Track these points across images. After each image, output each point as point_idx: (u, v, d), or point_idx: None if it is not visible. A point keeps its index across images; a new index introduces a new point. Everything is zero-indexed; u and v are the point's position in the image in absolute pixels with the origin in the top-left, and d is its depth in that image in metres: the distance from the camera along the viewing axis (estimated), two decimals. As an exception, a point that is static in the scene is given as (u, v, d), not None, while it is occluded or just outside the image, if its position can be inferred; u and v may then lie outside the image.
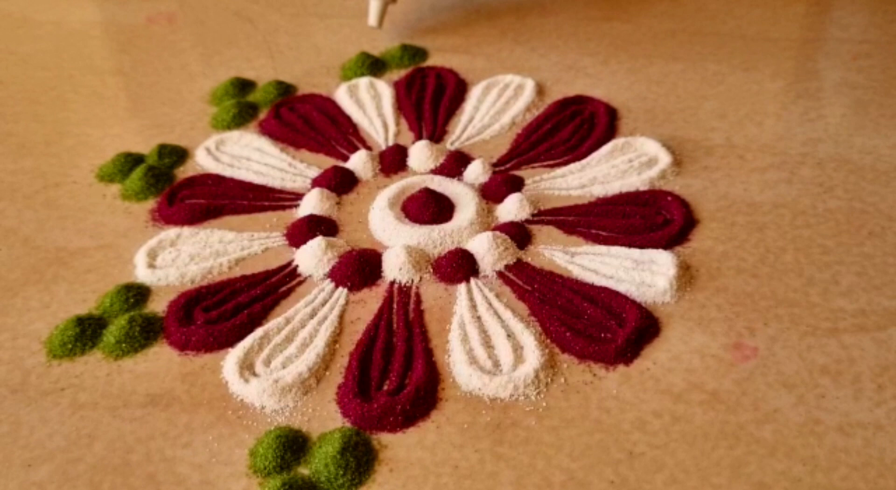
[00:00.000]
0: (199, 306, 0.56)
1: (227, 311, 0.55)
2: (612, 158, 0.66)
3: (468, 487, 0.44)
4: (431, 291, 0.56)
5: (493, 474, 0.45)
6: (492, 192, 0.64)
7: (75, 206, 0.66)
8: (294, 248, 0.60)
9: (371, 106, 0.75)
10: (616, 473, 0.44)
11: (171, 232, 0.62)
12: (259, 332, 0.53)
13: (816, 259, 0.56)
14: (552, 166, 0.66)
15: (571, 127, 0.70)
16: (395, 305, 0.55)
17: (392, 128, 0.72)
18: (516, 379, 0.49)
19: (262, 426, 0.48)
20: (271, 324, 0.54)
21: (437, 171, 0.66)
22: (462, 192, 0.63)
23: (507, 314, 0.54)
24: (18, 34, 0.92)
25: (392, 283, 0.57)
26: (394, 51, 0.82)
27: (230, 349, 0.53)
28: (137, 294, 0.57)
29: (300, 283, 0.58)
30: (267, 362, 0.52)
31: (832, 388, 0.48)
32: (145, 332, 0.54)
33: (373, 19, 0.76)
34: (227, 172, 0.68)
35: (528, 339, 0.52)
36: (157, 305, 0.56)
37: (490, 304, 0.55)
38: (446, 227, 0.60)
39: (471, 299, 0.55)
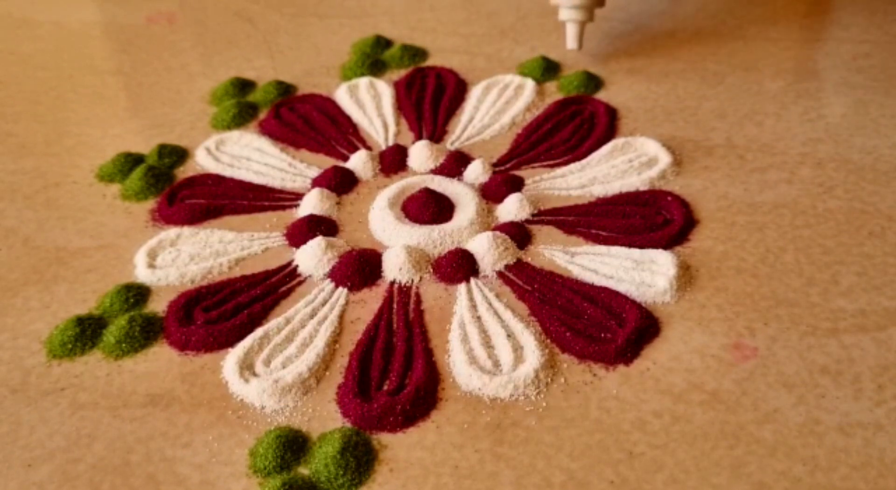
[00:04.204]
0: (199, 306, 0.56)
1: (227, 311, 0.55)
2: (612, 158, 0.66)
3: (468, 487, 0.44)
4: (431, 291, 0.56)
5: (493, 474, 0.45)
6: (492, 192, 0.64)
7: (75, 206, 0.66)
8: (294, 248, 0.60)
9: (371, 106, 0.75)
10: (616, 473, 0.44)
11: (171, 232, 0.62)
12: (259, 332, 0.53)
13: (816, 259, 0.56)
14: (552, 166, 0.67)
15: (571, 127, 0.70)
16: (395, 305, 0.55)
17: (392, 128, 0.72)
18: (516, 379, 0.49)
19: (262, 426, 0.48)
20: (271, 324, 0.54)
21: (437, 171, 0.67)
22: (462, 192, 0.63)
23: (507, 314, 0.54)
24: (18, 34, 0.92)
25: (392, 283, 0.57)
26: (395, 51, 0.82)
27: (230, 349, 0.53)
28: (137, 294, 0.57)
29: (300, 283, 0.58)
30: (267, 362, 0.52)
31: (832, 388, 0.48)
32: (145, 332, 0.54)
33: (572, 42, 0.76)
34: (227, 172, 0.68)
35: (528, 339, 0.52)
36: (157, 305, 0.56)
37: (490, 304, 0.55)
38: (446, 227, 0.60)
39: (471, 299, 0.55)
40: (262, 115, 0.75)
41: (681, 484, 0.44)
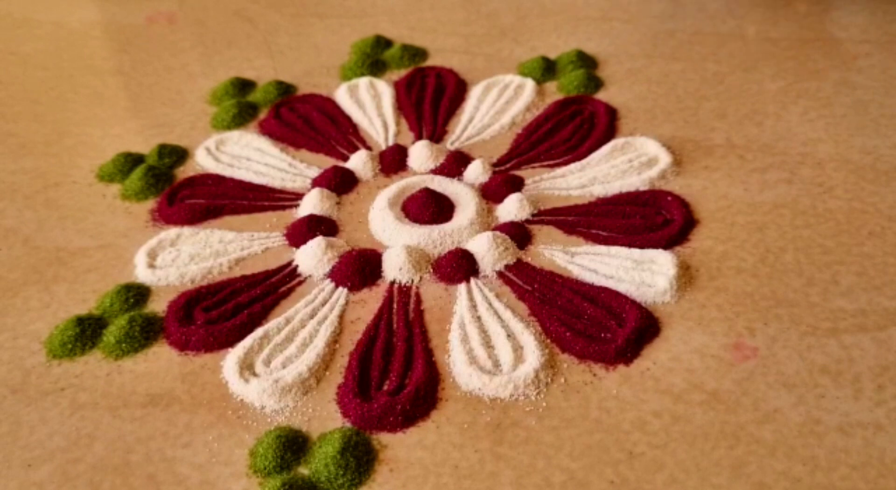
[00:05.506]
0: (199, 306, 0.56)
1: (227, 311, 0.55)
2: (612, 158, 0.66)
3: (468, 487, 0.44)
4: (431, 291, 0.56)
5: (493, 474, 0.45)
6: (492, 192, 0.64)
7: (75, 206, 0.66)
8: (294, 248, 0.60)
9: (371, 106, 0.75)
10: (616, 473, 0.44)
11: (171, 232, 0.62)
12: (259, 332, 0.53)
13: (816, 259, 0.56)
14: (552, 166, 0.67)
15: (571, 127, 0.70)
16: (395, 305, 0.55)
17: (392, 128, 0.72)
18: (516, 379, 0.49)
19: (262, 426, 0.48)
20: (271, 324, 0.54)
21: (437, 171, 0.66)
22: (462, 192, 0.63)
23: (507, 314, 0.54)
24: (18, 34, 0.92)
25: (392, 283, 0.57)
26: (395, 51, 0.82)
27: (230, 349, 0.53)
28: (137, 294, 0.57)
29: (300, 283, 0.58)
30: (267, 362, 0.52)
31: (832, 388, 0.48)
32: (145, 332, 0.54)
33: None
34: (227, 172, 0.68)
35: (528, 339, 0.52)
36: (157, 305, 0.56)
37: (490, 304, 0.55)
38: (446, 227, 0.60)
39: (471, 299, 0.55)
40: (262, 115, 0.75)
41: (681, 484, 0.44)
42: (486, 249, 0.57)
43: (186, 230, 0.62)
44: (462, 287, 0.56)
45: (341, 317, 0.55)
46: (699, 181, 0.64)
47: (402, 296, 0.56)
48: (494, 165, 0.67)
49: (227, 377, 0.51)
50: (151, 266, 0.59)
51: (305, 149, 0.71)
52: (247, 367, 0.51)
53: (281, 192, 0.66)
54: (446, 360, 0.51)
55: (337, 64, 0.81)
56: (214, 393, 0.50)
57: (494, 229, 0.60)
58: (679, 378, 0.49)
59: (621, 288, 0.55)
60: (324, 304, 0.56)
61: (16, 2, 0.98)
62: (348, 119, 0.74)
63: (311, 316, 0.55)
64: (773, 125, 0.69)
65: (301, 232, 0.61)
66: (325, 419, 0.48)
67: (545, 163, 0.67)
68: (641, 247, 0.58)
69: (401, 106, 0.75)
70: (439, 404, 0.49)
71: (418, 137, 0.71)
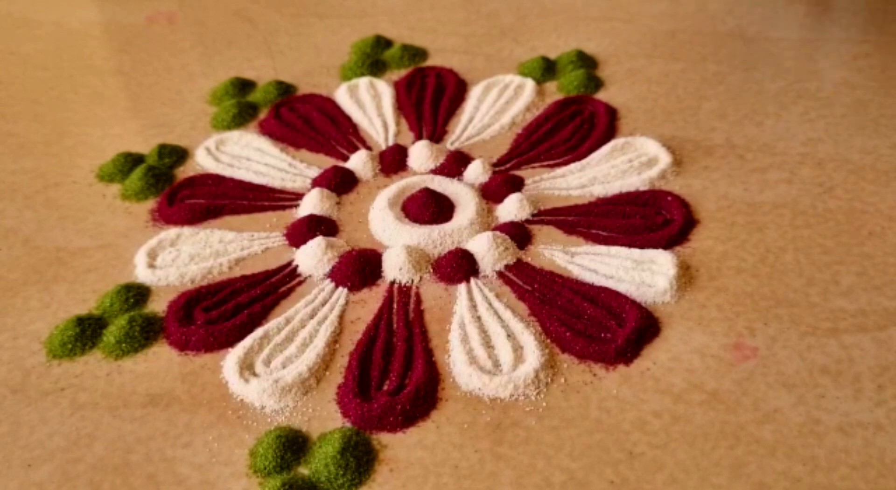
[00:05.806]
0: (200, 306, 0.56)
1: (227, 311, 0.55)
2: (612, 158, 0.66)
3: (468, 487, 0.44)
4: (431, 291, 0.56)
5: (493, 474, 0.45)
6: (492, 192, 0.64)
7: (75, 206, 0.66)
8: (294, 248, 0.60)
9: (371, 106, 0.75)
10: (616, 473, 0.44)
11: (171, 232, 0.62)
12: (259, 331, 0.53)
13: (816, 259, 0.56)
14: (552, 166, 0.67)
15: (571, 127, 0.70)
16: (395, 305, 0.55)
17: (392, 128, 0.72)
18: (516, 379, 0.49)
19: (262, 426, 0.48)
20: (271, 324, 0.54)
21: (437, 171, 0.66)
22: (462, 192, 0.63)
23: (507, 314, 0.54)
24: (18, 34, 0.92)
25: (392, 283, 0.57)
26: (395, 51, 0.82)
27: (230, 349, 0.53)
28: (137, 294, 0.57)
29: (300, 283, 0.58)
30: (267, 362, 0.52)
31: (832, 388, 0.48)
32: (145, 332, 0.54)
33: None
34: (227, 172, 0.68)
35: (528, 339, 0.52)
36: (157, 305, 0.56)
37: (490, 304, 0.55)
38: (446, 227, 0.60)
39: (471, 299, 0.55)
40: (262, 115, 0.75)
41: (681, 484, 0.44)
42: (486, 249, 0.57)
43: (186, 230, 0.62)
44: (462, 287, 0.56)
45: (341, 317, 0.55)
46: (699, 181, 0.64)
47: (402, 296, 0.56)
48: (494, 165, 0.67)
49: (227, 377, 0.51)
50: (151, 266, 0.59)
51: (305, 149, 0.71)
52: (247, 367, 0.51)
53: (281, 192, 0.66)
54: (446, 360, 0.51)
55: (337, 64, 0.81)
56: (214, 393, 0.50)
57: (494, 229, 0.60)
58: (679, 378, 0.49)
59: (621, 288, 0.55)
60: (324, 304, 0.56)
61: (16, 2, 0.98)
62: (348, 119, 0.74)
63: (311, 316, 0.55)
64: (773, 125, 0.69)
65: (301, 232, 0.61)
66: (325, 419, 0.48)
67: (545, 163, 0.67)
68: (641, 247, 0.58)
69: (401, 106, 0.75)
70: (439, 404, 0.49)
71: (418, 137, 0.71)
